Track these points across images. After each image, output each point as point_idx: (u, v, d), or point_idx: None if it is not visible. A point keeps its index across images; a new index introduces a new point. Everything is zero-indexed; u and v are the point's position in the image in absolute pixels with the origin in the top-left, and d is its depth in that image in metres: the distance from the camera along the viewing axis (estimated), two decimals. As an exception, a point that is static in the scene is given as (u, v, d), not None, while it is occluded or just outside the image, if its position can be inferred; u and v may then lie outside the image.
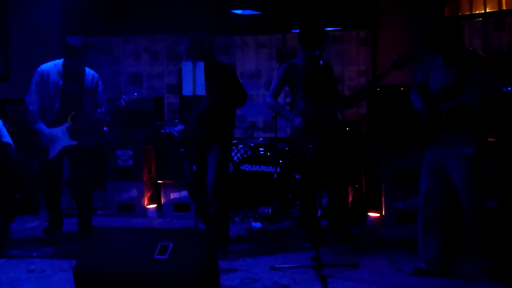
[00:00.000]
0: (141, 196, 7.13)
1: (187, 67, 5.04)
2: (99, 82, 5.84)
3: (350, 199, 6.59)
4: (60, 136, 5.66)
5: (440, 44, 4.48)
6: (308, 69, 5.51)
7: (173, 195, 7.06)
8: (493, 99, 4.36)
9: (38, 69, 5.75)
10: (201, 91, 5.02)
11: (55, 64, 5.75)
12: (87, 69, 5.81)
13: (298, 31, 5.70)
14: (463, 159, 4.43)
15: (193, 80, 5.00)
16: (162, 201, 7.13)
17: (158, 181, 7.20)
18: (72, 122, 5.63)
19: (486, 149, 4.55)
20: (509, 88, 4.13)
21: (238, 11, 8.36)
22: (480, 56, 4.50)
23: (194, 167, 5.20)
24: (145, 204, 7.14)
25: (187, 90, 5.05)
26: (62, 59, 5.73)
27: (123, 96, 5.63)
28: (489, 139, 5.79)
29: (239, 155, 7.36)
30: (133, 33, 9.11)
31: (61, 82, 5.69)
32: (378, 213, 6.45)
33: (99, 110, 5.65)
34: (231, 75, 5.51)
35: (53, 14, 8.68)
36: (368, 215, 6.49)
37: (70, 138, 5.66)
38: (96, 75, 5.84)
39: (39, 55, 5.83)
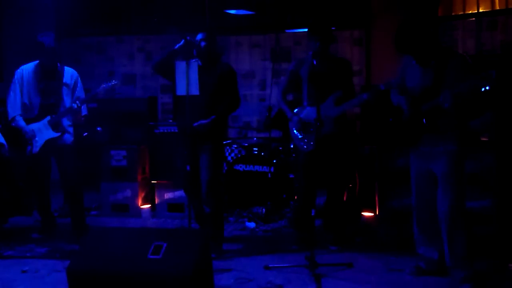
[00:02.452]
0: (135, 196, 7.12)
1: (180, 66, 5.04)
2: (78, 79, 5.90)
3: (345, 198, 6.59)
4: (42, 129, 5.69)
5: (410, 48, 4.37)
6: (314, 67, 5.46)
7: (167, 195, 7.05)
8: (470, 99, 4.29)
9: (18, 69, 5.86)
10: (195, 90, 5.02)
11: (34, 64, 5.84)
12: (66, 67, 5.88)
13: (292, 31, 5.69)
14: (445, 155, 4.39)
15: (187, 79, 5.00)
16: (156, 201, 7.11)
17: (152, 181, 7.18)
18: (53, 114, 5.67)
19: (468, 146, 4.51)
20: (487, 88, 4.01)
21: (232, 11, 8.35)
22: (456, 53, 4.43)
23: (188, 167, 5.19)
24: (139, 204, 7.13)
25: (181, 90, 5.05)
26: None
27: (103, 85, 5.67)
28: (483, 139, 5.83)
29: (233, 155, 7.36)
30: (127, 33, 9.11)
31: (40, 80, 5.76)
32: (372, 212, 6.45)
33: (75, 102, 5.69)
34: (232, 78, 5.52)
35: (47, 15, 8.67)
36: (362, 214, 6.49)
37: (52, 131, 5.69)
38: (75, 73, 5.91)
39: (33, 56, 5.84)
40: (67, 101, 5.76)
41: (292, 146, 6.72)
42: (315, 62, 5.06)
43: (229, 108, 5.55)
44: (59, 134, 5.72)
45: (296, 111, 5.54)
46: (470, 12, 7.64)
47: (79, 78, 5.90)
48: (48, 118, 5.68)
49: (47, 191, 6.04)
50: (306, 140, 5.44)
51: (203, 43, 5.37)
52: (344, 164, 5.64)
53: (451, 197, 4.38)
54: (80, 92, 5.85)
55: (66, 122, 5.79)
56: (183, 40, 5.27)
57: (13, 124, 5.73)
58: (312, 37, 5.40)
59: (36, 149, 5.70)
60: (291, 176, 6.75)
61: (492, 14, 7.41)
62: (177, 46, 5.34)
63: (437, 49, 4.41)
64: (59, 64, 5.82)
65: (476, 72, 4.19)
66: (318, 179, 5.42)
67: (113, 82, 5.70)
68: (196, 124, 5.29)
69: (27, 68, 5.82)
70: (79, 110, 5.71)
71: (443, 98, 4.19)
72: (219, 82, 5.39)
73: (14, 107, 5.76)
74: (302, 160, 5.58)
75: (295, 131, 5.53)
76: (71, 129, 5.85)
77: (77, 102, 5.66)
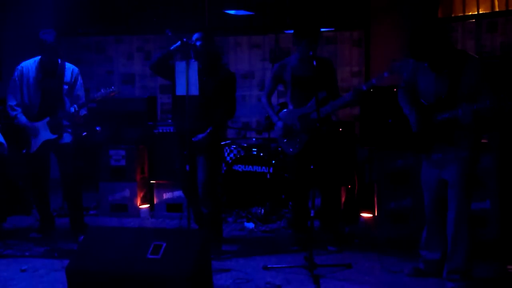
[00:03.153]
0: (133, 196, 7.11)
1: (180, 66, 5.03)
2: (79, 76, 5.88)
3: (343, 199, 6.60)
4: (41, 130, 5.69)
5: (426, 55, 4.27)
6: (298, 69, 5.46)
7: (165, 195, 7.05)
8: (490, 115, 4.19)
9: (18, 66, 5.83)
10: (195, 91, 5.01)
11: (34, 61, 5.82)
12: (67, 64, 5.86)
13: (291, 31, 5.66)
14: (456, 162, 4.35)
15: (187, 79, 4.99)
16: (155, 201, 7.11)
17: (151, 181, 7.19)
18: (53, 116, 5.65)
19: (479, 152, 4.48)
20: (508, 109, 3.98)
21: (232, 12, 8.36)
22: (471, 58, 4.30)
23: (187, 167, 5.19)
24: (138, 204, 7.13)
25: (180, 89, 5.04)
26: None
27: (102, 90, 5.65)
28: (482, 140, 5.82)
29: (232, 155, 7.36)
30: (126, 33, 9.11)
31: (41, 78, 5.74)
32: (371, 213, 6.45)
33: (73, 106, 5.67)
34: (231, 84, 5.48)
35: (46, 14, 8.66)
36: (360, 215, 6.49)
37: (50, 132, 5.68)
38: (76, 69, 5.88)
39: (32, 55, 5.83)
40: (68, 100, 5.75)
41: (279, 149, 6.75)
42: (314, 63, 5.01)
43: (225, 117, 5.57)
44: (56, 136, 5.72)
45: (281, 115, 5.54)
46: (470, 13, 7.64)
47: (79, 75, 5.88)
48: (48, 119, 5.67)
49: (46, 190, 6.04)
50: (291, 143, 5.46)
51: (198, 43, 5.34)
52: (335, 165, 5.63)
53: (458, 205, 4.36)
54: (80, 90, 5.84)
55: (65, 122, 5.79)
56: (179, 42, 5.24)
57: (16, 122, 5.73)
58: (299, 39, 5.38)
59: (34, 148, 5.71)
60: (289, 177, 6.76)
61: (492, 15, 7.42)
62: (172, 47, 5.30)
63: (452, 54, 4.31)
64: (59, 61, 5.80)
65: (498, 87, 4.14)
66: (310, 180, 5.40)
67: (112, 88, 5.67)
68: (195, 139, 5.29)
69: (27, 66, 5.79)
70: (77, 113, 5.69)
71: (462, 114, 4.13)
72: (218, 86, 5.35)
73: (14, 106, 5.75)
74: (290, 163, 5.60)
75: (280, 135, 5.54)
76: (70, 129, 5.85)
77: (75, 106, 5.64)
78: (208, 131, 5.31)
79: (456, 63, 4.28)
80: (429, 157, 4.55)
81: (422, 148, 4.55)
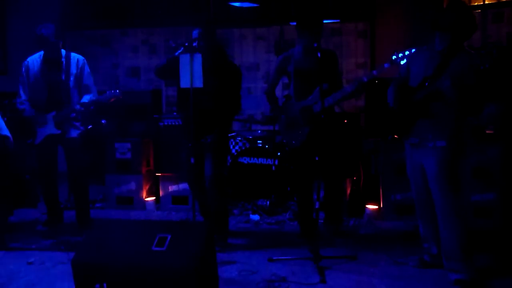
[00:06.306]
0: (139, 188, 7.14)
1: (184, 59, 5.03)
2: (85, 66, 5.86)
3: (348, 191, 6.60)
4: (47, 123, 5.71)
5: (454, 25, 4.20)
6: (301, 61, 5.44)
7: (171, 188, 7.07)
8: (469, 81, 4.08)
9: (24, 61, 5.87)
10: (199, 83, 5.01)
11: (39, 55, 5.84)
12: (72, 55, 5.84)
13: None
14: (434, 152, 4.25)
15: (191, 72, 4.99)
16: (161, 193, 7.14)
17: (157, 174, 7.21)
18: (59, 112, 5.66)
19: (463, 144, 4.27)
20: (486, 66, 3.92)
21: (236, 4, 8.32)
22: (466, 50, 4.25)
23: (192, 160, 5.19)
24: (144, 197, 7.15)
25: (185, 82, 5.04)
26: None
27: (107, 92, 5.66)
28: (488, 132, 5.82)
29: (237, 147, 7.36)
30: (131, 26, 9.10)
31: (46, 72, 5.75)
32: (376, 205, 6.45)
33: (77, 105, 5.68)
34: (236, 80, 5.50)
35: (52, 7, 8.66)
36: (366, 207, 6.49)
37: (55, 127, 5.69)
38: (81, 58, 5.86)
39: (37, 49, 5.84)
40: (75, 92, 5.75)
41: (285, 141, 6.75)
42: (319, 55, 4.98)
43: (231, 115, 5.61)
44: (60, 132, 5.73)
45: (285, 107, 5.54)
46: (476, 4, 7.60)
47: (85, 65, 5.86)
48: (54, 113, 5.69)
49: (54, 183, 6.05)
50: (294, 135, 5.46)
51: (201, 43, 5.31)
52: (339, 157, 5.62)
53: (441, 198, 4.27)
54: (87, 80, 5.82)
55: (73, 114, 5.79)
56: (182, 48, 5.22)
57: (24, 115, 5.78)
58: (301, 31, 5.35)
59: (39, 140, 5.73)
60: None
61: (498, 6, 7.38)
62: (177, 53, 5.27)
63: (458, 45, 4.27)
64: (64, 53, 5.79)
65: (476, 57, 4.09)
66: (314, 172, 5.39)
67: (117, 92, 5.68)
68: (204, 141, 5.33)
69: (33, 60, 5.82)
70: (86, 110, 5.70)
71: (440, 81, 4.09)
72: (223, 82, 5.36)
73: (23, 100, 5.78)
74: (293, 155, 5.60)
75: (283, 127, 5.54)
76: (77, 123, 5.85)
77: (80, 107, 5.65)
78: (216, 131, 5.33)
79: (453, 49, 4.25)
80: (409, 141, 4.49)
81: (403, 130, 4.48)
